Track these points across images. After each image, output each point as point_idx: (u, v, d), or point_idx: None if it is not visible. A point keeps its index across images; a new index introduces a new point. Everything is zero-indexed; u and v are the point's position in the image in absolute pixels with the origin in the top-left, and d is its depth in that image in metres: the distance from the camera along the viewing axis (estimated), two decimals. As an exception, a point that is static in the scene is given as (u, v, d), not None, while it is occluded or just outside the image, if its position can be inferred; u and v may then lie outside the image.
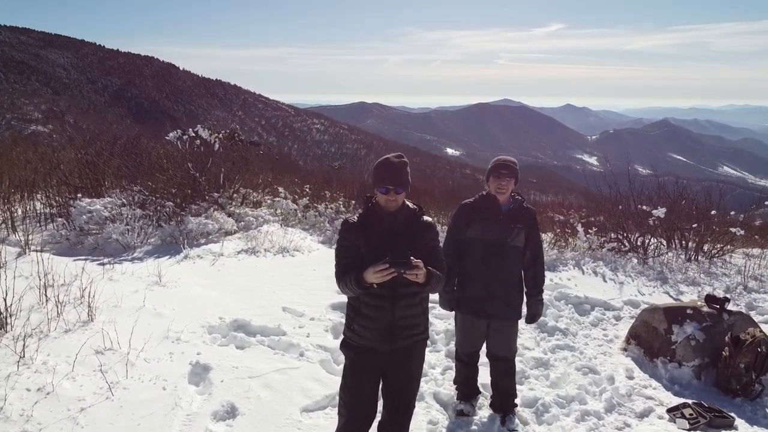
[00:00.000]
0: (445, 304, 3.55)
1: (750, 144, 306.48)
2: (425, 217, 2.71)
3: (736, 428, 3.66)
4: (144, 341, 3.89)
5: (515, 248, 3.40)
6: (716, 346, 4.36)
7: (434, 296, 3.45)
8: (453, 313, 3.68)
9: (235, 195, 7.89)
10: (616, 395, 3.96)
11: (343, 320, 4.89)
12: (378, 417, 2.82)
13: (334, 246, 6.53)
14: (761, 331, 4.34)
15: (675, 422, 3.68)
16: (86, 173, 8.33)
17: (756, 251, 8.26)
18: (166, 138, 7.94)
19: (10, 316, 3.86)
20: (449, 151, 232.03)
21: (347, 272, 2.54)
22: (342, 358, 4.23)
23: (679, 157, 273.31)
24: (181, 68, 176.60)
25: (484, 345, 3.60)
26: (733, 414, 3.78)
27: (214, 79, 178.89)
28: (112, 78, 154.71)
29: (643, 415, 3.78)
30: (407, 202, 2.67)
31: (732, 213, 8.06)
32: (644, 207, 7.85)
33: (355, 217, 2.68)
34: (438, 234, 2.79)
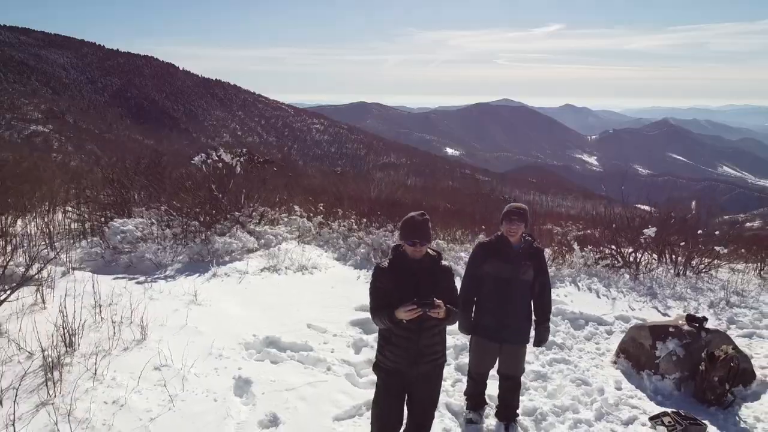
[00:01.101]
0: (463, 329, 4.12)
1: (749, 144, 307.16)
2: (443, 262, 3.28)
3: (703, 428, 4.22)
4: (192, 358, 4.45)
5: (525, 282, 3.98)
6: (694, 361, 4.92)
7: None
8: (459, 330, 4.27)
9: (254, 213, 8.46)
10: (605, 405, 4.53)
11: (362, 335, 5.49)
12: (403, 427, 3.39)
13: (349, 263, 7.18)
14: (734, 347, 4.92)
15: (656, 429, 4.25)
16: (114, 191, 8.91)
17: (741, 266, 8.83)
18: (192, 161, 8.50)
19: (74, 335, 4.43)
20: (449, 151, 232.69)
21: (380, 309, 3.10)
22: (364, 371, 4.85)
23: (678, 157, 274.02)
24: (180, 68, 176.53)
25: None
26: (706, 422, 4.34)
27: (214, 79, 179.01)
28: (112, 78, 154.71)
29: (628, 423, 4.35)
30: (429, 250, 3.24)
31: (717, 233, 8.64)
32: (640, 207, 8.41)
33: (386, 263, 3.24)
34: (453, 275, 3.36)
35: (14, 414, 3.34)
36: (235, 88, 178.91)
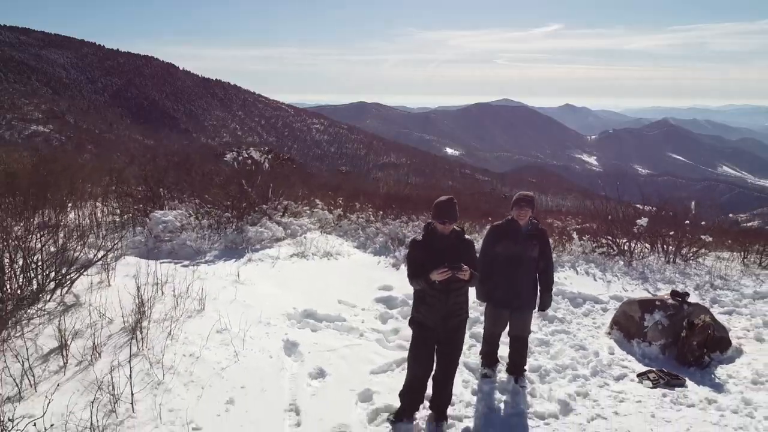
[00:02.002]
0: (481, 297, 4.87)
1: (749, 144, 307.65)
2: (466, 236, 4.03)
3: (687, 386, 4.97)
4: (246, 325, 5.20)
5: (532, 258, 4.73)
6: (677, 329, 5.68)
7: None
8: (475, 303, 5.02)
9: (278, 206, 9.21)
10: (600, 365, 5.28)
11: (387, 310, 6.25)
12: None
13: (369, 250, 8.03)
14: (711, 317, 5.67)
15: (642, 383, 5.00)
16: (147, 187, 9.66)
17: (726, 254, 9.60)
18: (224, 159, 9.26)
19: (145, 305, 5.17)
20: (449, 150, 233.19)
21: (417, 274, 3.85)
22: (391, 338, 5.60)
23: (678, 156, 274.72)
24: (180, 68, 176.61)
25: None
26: (685, 378, 5.10)
27: (214, 79, 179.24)
28: (112, 78, 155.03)
29: (619, 378, 5.10)
30: (454, 227, 3.99)
31: (703, 222, 9.40)
32: (636, 212, 9.16)
33: (420, 237, 4.00)
34: (474, 247, 4.11)
35: (117, 361, 4.10)
36: (235, 88, 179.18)
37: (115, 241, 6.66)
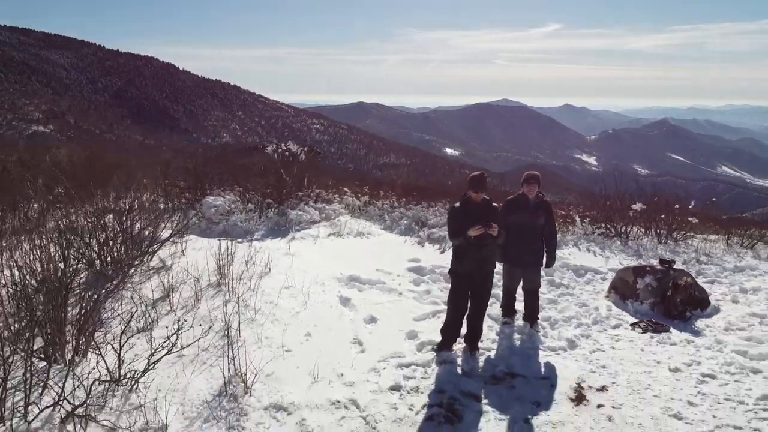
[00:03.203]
0: (498, 258, 5.95)
1: (749, 144, 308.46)
2: (494, 203, 5.12)
3: (671, 332, 6.05)
4: (306, 284, 6.29)
5: (539, 225, 5.81)
6: (664, 290, 6.76)
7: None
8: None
9: (311, 193, 10.30)
10: (599, 317, 6.37)
11: (417, 276, 7.34)
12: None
13: (395, 231, 9.26)
14: (693, 279, 6.76)
15: (634, 329, 6.09)
16: (194, 177, 10.75)
17: (713, 237, 10.69)
18: (265, 151, 10.37)
19: (224, 267, 6.25)
20: (448, 151, 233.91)
21: (457, 232, 4.93)
22: (425, 296, 6.67)
23: (678, 156, 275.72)
24: (180, 68, 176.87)
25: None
26: (670, 326, 6.18)
27: (214, 79, 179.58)
28: (112, 78, 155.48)
29: (615, 327, 6.18)
30: (484, 195, 5.07)
31: (690, 206, 10.50)
32: (632, 198, 10.24)
33: (458, 204, 5.08)
34: (499, 212, 5.20)
35: (213, 305, 5.19)
36: (235, 88, 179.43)
37: (185, 221, 7.73)
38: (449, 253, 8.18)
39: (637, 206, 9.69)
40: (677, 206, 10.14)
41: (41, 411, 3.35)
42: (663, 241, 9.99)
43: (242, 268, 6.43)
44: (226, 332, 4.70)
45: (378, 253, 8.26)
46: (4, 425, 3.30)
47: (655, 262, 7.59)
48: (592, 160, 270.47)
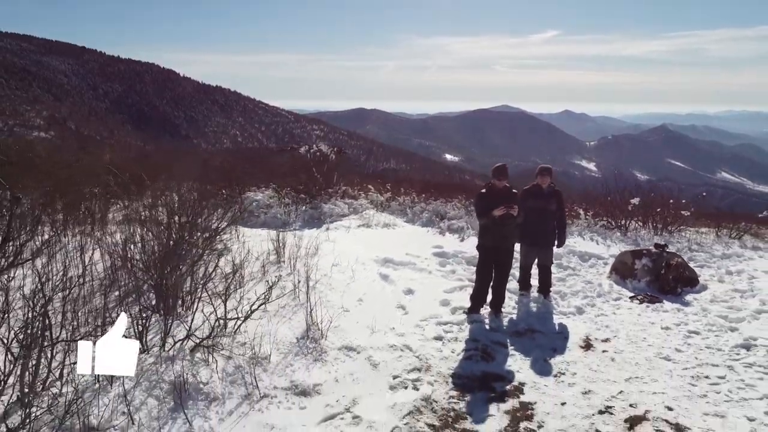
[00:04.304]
0: (516, 239, 6.98)
1: (748, 149, 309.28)
2: (514, 190, 6.16)
3: (663, 303, 7.06)
4: (350, 263, 7.31)
5: (551, 211, 6.84)
6: (658, 269, 7.77)
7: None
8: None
9: (339, 190, 11.34)
10: (602, 291, 7.38)
11: (443, 259, 8.33)
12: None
13: (417, 224, 10.38)
14: (683, 260, 7.78)
15: (632, 301, 7.10)
16: (228, 176, 11.78)
17: (705, 229, 11.73)
18: (299, 151, 11.42)
19: (280, 248, 7.26)
20: (448, 156, 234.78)
21: (483, 213, 5.96)
22: (450, 275, 7.66)
23: (677, 162, 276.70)
24: (181, 74, 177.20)
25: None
26: (663, 299, 7.20)
27: (214, 85, 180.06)
28: (113, 84, 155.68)
29: (616, 299, 7.18)
30: (505, 183, 6.10)
31: (683, 201, 11.54)
32: (631, 194, 11.28)
33: (484, 190, 6.11)
34: (518, 197, 6.23)
35: (276, 276, 6.22)
36: (236, 94, 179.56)
37: (237, 211, 8.75)
38: (468, 241, 9.28)
39: (635, 201, 10.73)
40: (671, 201, 11.17)
41: (175, 343, 4.36)
42: (659, 232, 11.01)
43: (293, 250, 7.45)
44: (296, 294, 5.72)
45: (405, 241, 9.29)
46: (147, 353, 4.31)
47: (651, 247, 8.61)
48: (591, 166, 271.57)
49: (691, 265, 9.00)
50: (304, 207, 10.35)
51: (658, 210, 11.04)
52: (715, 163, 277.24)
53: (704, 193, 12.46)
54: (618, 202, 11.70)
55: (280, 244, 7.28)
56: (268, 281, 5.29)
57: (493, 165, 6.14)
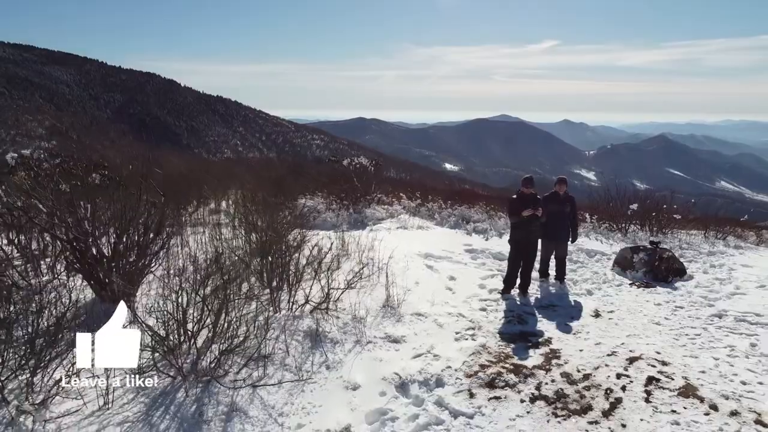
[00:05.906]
0: (539, 235, 8.62)
1: (747, 159, 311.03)
2: (538, 196, 7.84)
3: (656, 288, 8.71)
4: (400, 257, 8.95)
5: (567, 213, 8.51)
6: (653, 262, 9.43)
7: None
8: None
9: (375, 197, 13.01)
10: (607, 280, 9.05)
11: (473, 254, 10.00)
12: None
13: (446, 226, 12.32)
14: (673, 254, 9.45)
15: (631, 287, 8.76)
16: (276, 186, 13.44)
17: (694, 231, 13.41)
18: (342, 163, 13.11)
19: (344, 243, 8.89)
20: (447, 166, 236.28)
21: (514, 213, 7.64)
22: (482, 267, 9.32)
23: (676, 172, 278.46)
24: (182, 84, 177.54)
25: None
26: (657, 285, 8.84)
27: (215, 95, 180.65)
28: (115, 94, 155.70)
29: (618, 285, 8.85)
30: (532, 190, 7.77)
31: (675, 206, 13.23)
32: (628, 203, 12.98)
33: (515, 196, 7.79)
34: (542, 201, 7.91)
35: (349, 264, 7.88)
36: (236, 104, 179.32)
37: (309, 215, 10.42)
38: (491, 240, 10.93)
39: (634, 206, 12.41)
40: (665, 206, 12.86)
41: (299, 306, 6.02)
42: (654, 234, 12.68)
43: (353, 246, 9.11)
44: (370, 276, 7.38)
45: (439, 240, 10.95)
46: (279, 313, 5.96)
47: (647, 244, 10.27)
48: (591, 175, 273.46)
49: (681, 260, 10.67)
50: (349, 212, 12.02)
51: (654, 214, 12.72)
52: (714, 173, 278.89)
53: (693, 200, 14.11)
54: (618, 207, 13.38)
55: (346, 242, 8.95)
56: (351, 268, 6.94)
57: (522, 176, 7.84)
